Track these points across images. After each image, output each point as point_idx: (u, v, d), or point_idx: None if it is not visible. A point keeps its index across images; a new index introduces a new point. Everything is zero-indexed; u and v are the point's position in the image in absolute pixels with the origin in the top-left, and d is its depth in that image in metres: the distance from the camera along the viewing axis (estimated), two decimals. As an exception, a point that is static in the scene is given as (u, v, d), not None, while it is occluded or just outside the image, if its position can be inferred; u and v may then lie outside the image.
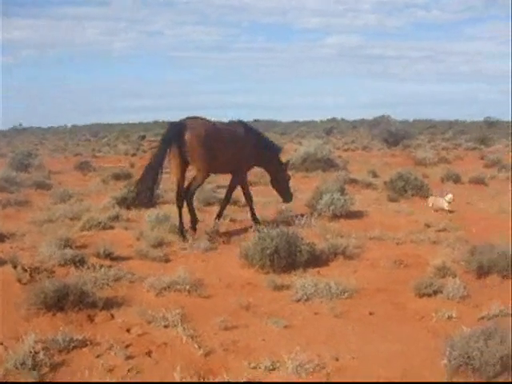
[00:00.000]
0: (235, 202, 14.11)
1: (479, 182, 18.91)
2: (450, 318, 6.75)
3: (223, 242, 10.45)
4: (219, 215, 11.77)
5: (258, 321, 6.78)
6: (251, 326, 6.65)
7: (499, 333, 4.98)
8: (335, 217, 12.62)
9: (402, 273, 8.71)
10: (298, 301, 7.41)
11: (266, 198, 15.02)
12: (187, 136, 10.79)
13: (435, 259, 8.54)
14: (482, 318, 6.70)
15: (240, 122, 12.52)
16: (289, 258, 8.64)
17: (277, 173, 12.69)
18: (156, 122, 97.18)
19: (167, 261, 9.30)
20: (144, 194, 11.14)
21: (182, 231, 10.76)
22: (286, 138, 54.42)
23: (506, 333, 4.98)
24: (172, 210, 11.57)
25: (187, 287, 7.68)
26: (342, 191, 13.92)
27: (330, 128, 69.79)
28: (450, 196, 13.50)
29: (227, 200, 12.13)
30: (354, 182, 18.28)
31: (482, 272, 8.12)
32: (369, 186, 18.04)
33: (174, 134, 10.96)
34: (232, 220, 12.04)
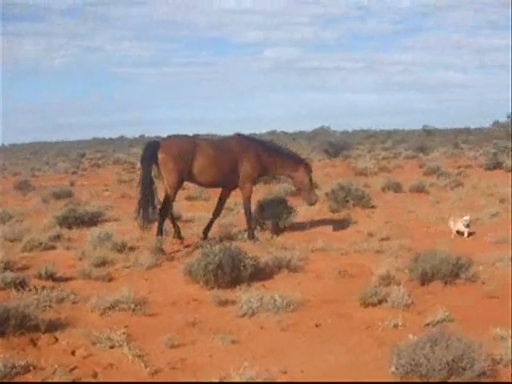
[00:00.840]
0: (177, 218, 14.05)
1: (420, 190, 19.18)
2: (395, 326, 6.80)
3: (167, 258, 10.38)
4: (248, 227, 12.04)
5: (205, 337, 6.72)
6: (198, 342, 6.59)
7: (445, 339, 5.05)
8: (279, 229, 12.67)
9: (346, 283, 8.78)
10: (244, 315, 7.36)
11: (209, 213, 14.98)
12: (159, 155, 11.29)
13: (379, 268, 8.61)
14: (428, 324, 6.78)
15: (237, 135, 12.71)
16: (233, 272, 8.59)
17: (293, 175, 12.59)
18: (95, 139, 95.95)
19: (110, 280, 9.16)
20: (147, 212, 11.37)
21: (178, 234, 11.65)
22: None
23: (452, 338, 5.06)
24: (113, 228, 11.48)
25: (132, 306, 7.56)
26: (285, 203, 13.96)
27: (270, 140, 69.99)
28: (466, 218, 11.95)
29: (249, 213, 12.22)
30: (295, 194, 18.33)
31: (426, 279, 8.24)
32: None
33: (150, 152, 11.45)
34: (175, 236, 11.94)
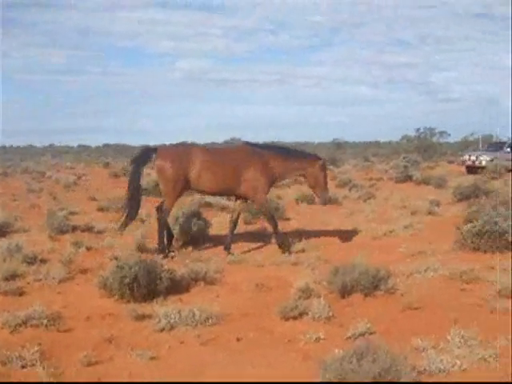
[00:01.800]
0: (89, 229, 13.75)
1: (333, 202, 19.36)
2: (317, 339, 6.75)
3: (80, 271, 10.06)
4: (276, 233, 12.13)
5: (123, 353, 6.50)
6: (116, 359, 6.36)
7: (371, 352, 5.03)
8: (194, 241, 12.53)
9: (265, 296, 8.71)
10: (162, 330, 7.17)
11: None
12: (157, 162, 11.55)
13: (298, 281, 8.57)
14: (349, 337, 6.77)
15: (244, 144, 12.71)
16: (149, 286, 8.37)
17: (308, 172, 12.37)
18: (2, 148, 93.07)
19: (21, 294, 8.75)
20: (131, 216, 11.89)
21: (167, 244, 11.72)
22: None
23: (378, 352, 5.06)
24: (23, 239, 11.09)
25: (45, 322, 7.22)
26: (199, 215, 13.84)
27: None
28: None
29: (272, 221, 12.20)
30: (208, 205, 18.23)
31: (345, 291, 8.24)
32: (224, 209, 18.04)
33: (144, 155, 11.84)
34: (88, 248, 11.62)
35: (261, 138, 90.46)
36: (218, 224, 14.39)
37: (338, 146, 72.13)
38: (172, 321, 7.28)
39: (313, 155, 12.84)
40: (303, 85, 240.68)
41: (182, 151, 11.80)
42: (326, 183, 12.46)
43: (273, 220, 12.19)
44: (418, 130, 63.58)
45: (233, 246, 12.11)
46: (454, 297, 8.32)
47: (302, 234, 13.34)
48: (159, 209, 11.79)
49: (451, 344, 6.38)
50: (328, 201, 13.10)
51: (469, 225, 11.44)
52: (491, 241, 10.88)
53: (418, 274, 9.36)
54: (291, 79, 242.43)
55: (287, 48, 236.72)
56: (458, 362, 5.86)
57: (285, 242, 11.89)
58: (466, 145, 63.20)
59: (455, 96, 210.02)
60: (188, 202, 17.61)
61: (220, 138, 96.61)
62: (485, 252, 10.82)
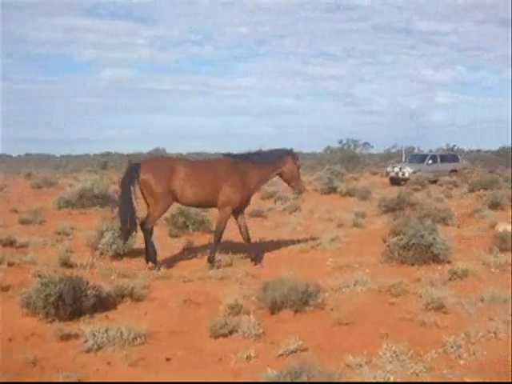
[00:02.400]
0: (11, 243, 13.29)
1: (258, 214, 19.34)
2: (248, 357, 6.63)
3: (1, 288, 9.64)
4: (212, 251, 12.00)
5: (48, 376, 6.23)
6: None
7: (306, 371, 4.96)
8: (118, 255, 12.27)
9: (193, 312, 8.55)
10: (89, 351, 6.91)
11: (43, 237, 14.34)
12: (141, 176, 11.48)
13: (227, 297, 8.46)
14: (281, 354, 6.68)
15: (225, 156, 12.60)
16: (74, 303, 8.08)
17: (283, 170, 12.71)
18: None
19: None
20: (129, 232, 11.73)
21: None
22: (60, 172, 52.90)
23: (312, 370, 4.99)
24: None
25: (-37, 344, 6.94)
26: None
27: (105, 162, 68.71)
28: None
29: (218, 235, 12.20)
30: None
31: (275, 307, 8.16)
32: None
33: (131, 175, 11.55)
34: (10, 264, 11.18)
35: (184, 149, 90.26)
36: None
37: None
38: (99, 341, 7.05)
39: (283, 150, 12.88)
40: (228, 95, 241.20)
41: (166, 164, 11.81)
42: (299, 174, 12.97)
43: (220, 235, 12.18)
44: (341, 141, 64.60)
45: (159, 260, 11.90)
46: (383, 311, 8.36)
47: (228, 248, 13.22)
48: (143, 224, 11.70)
49: (383, 359, 6.40)
50: (304, 190, 13.64)
51: (395, 238, 11.57)
52: (418, 253, 11.03)
53: (347, 289, 9.38)
54: (216, 90, 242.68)
55: (212, 59, 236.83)
56: (391, 377, 5.88)
57: (213, 260, 11.77)
58: (388, 156, 64.57)
59: (378, 108, 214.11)
60: (113, 214, 17.32)
61: (144, 148, 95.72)
62: (412, 264, 10.96)
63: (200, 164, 12.80)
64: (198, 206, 13.31)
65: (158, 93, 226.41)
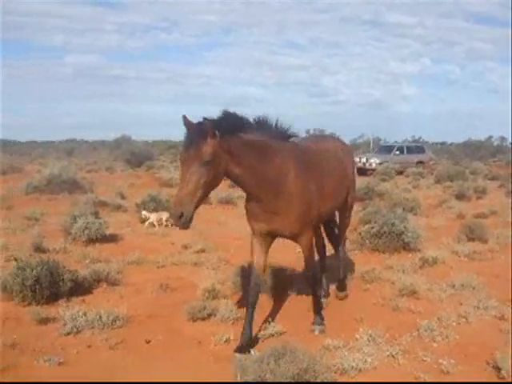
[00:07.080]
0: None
1: (228, 201, 19.41)
2: (227, 340, 6.71)
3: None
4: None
5: (28, 360, 6.22)
6: (21, 366, 6.06)
7: (288, 352, 5.05)
8: (91, 241, 12.25)
9: (169, 297, 8.63)
10: (69, 334, 6.94)
11: (12, 222, 14.26)
12: None
13: (203, 282, 8.55)
14: (260, 338, 6.80)
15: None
16: (51, 287, 8.10)
17: None
18: None
19: None
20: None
21: None
22: (25, 158, 52.31)
23: (296, 352, 5.09)
24: None
25: None
26: (96, 214, 13.60)
27: (71, 149, 68.12)
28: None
29: None
30: (103, 204, 17.79)
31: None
32: (119, 208, 17.73)
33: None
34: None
35: (150, 137, 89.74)
36: (114, 223, 14.19)
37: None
38: (78, 324, 7.09)
39: None
40: (192, 83, 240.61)
41: None
42: None
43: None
44: (308, 131, 64.69)
45: (132, 245, 11.93)
46: (357, 297, 8.54)
47: (201, 234, 13.27)
48: None
49: (360, 342, 6.54)
50: None
51: (366, 226, 11.74)
52: (389, 241, 11.21)
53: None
54: (181, 78, 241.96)
55: (179, 46, 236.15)
56: (369, 360, 6.01)
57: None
58: (355, 147, 64.87)
59: (343, 98, 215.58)
60: (83, 200, 17.27)
61: (110, 136, 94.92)
62: (383, 252, 11.15)
63: None
64: None
65: (125, 80, 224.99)
